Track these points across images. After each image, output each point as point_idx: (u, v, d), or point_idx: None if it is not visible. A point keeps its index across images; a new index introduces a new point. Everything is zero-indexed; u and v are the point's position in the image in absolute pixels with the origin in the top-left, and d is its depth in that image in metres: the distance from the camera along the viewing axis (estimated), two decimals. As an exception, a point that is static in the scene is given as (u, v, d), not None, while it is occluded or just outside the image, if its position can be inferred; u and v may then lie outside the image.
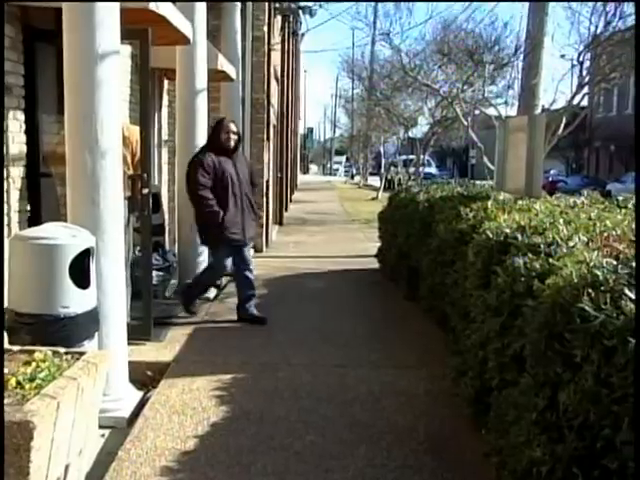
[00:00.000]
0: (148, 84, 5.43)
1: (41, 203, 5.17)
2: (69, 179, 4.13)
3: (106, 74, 4.05)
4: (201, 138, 7.41)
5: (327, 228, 15.71)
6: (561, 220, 3.84)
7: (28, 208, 4.96)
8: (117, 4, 4.16)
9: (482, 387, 3.64)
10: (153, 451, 3.63)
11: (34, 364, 2.79)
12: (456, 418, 4.07)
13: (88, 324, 3.75)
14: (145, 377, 4.91)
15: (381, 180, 28.93)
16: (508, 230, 3.80)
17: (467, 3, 14.76)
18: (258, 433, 3.89)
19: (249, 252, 6.58)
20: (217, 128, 6.34)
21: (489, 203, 4.95)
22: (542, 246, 3.38)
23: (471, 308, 3.97)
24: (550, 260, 3.13)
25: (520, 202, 5.06)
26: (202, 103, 7.49)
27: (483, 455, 3.37)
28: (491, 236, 3.90)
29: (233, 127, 6.30)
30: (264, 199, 11.55)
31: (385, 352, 5.45)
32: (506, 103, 12.02)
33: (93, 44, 3.97)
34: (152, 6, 4.86)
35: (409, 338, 5.86)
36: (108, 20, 4.05)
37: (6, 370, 2.76)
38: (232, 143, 6.23)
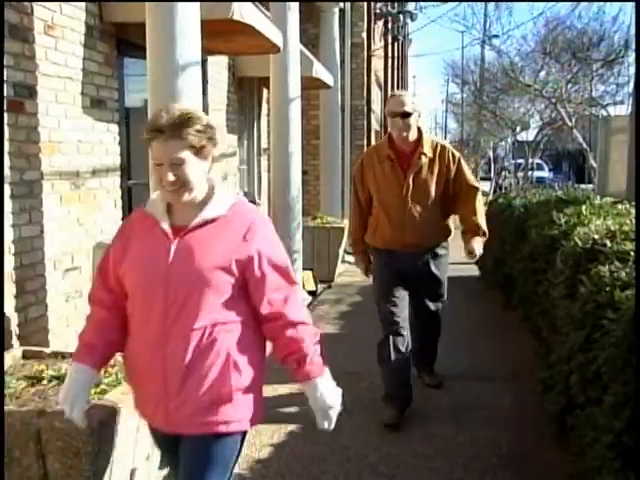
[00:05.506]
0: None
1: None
2: (152, 189, 4.24)
3: (187, 85, 4.13)
4: (294, 145, 7.45)
5: (431, 234, 15.39)
6: (657, 225, 3.55)
7: (121, 216, 5.13)
8: (197, 16, 4.24)
9: (568, 404, 3.42)
10: (227, 458, 3.65)
11: (103, 369, 2.84)
12: (541, 434, 3.85)
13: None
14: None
15: (491, 185, 28.25)
16: (597, 236, 3.56)
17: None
18: (334, 442, 3.83)
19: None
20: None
21: (583, 208, 4.68)
22: (632, 253, 3.15)
23: (558, 319, 3.76)
24: (638, 269, 2.90)
25: (619, 206, 4.76)
26: (295, 111, 7.51)
27: (568, 477, 3.18)
28: (579, 243, 3.67)
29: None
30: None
31: (473, 363, 5.26)
32: (615, 103, 11.36)
33: (173, 55, 4.06)
34: (236, 16, 4.91)
35: (500, 349, 5.63)
36: (188, 32, 4.13)
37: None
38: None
